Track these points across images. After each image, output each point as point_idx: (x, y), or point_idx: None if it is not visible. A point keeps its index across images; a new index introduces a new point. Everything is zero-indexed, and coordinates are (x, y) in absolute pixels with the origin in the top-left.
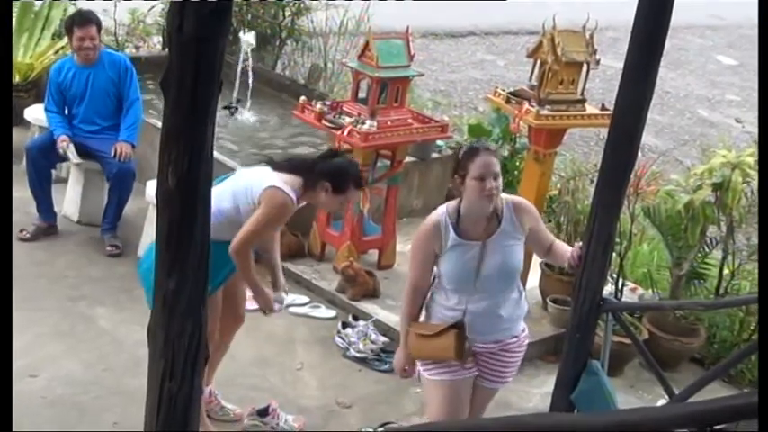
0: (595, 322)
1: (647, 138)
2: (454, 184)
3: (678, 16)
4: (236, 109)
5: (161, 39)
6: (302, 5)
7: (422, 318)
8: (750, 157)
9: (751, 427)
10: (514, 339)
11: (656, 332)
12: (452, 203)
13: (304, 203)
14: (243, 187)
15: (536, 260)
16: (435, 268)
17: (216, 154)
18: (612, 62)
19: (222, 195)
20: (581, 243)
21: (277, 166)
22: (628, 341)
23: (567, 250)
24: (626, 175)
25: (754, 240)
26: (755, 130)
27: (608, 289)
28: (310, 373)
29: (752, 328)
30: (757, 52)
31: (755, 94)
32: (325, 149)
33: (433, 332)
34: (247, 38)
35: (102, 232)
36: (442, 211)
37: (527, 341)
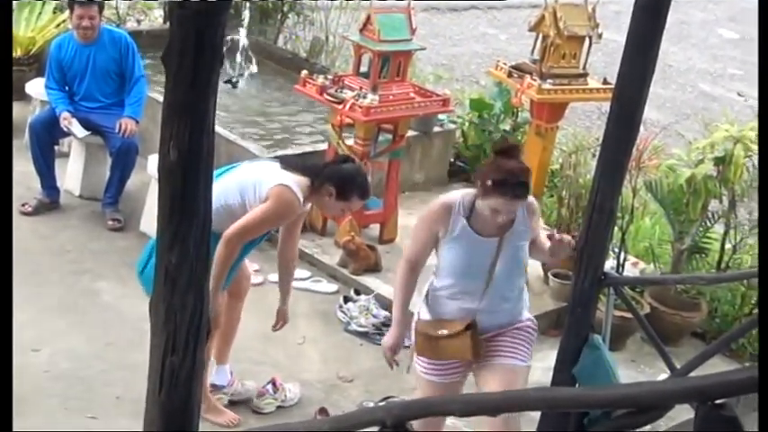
0: (597, 296)
1: (649, 112)
2: (475, 181)
3: None
4: (238, 82)
5: (162, 12)
6: None
7: (424, 313)
8: (752, 131)
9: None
10: (518, 323)
11: (657, 306)
12: (468, 196)
13: (308, 206)
14: (252, 183)
15: None
16: (436, 258)
17: (216, 128)
18: (615, 36)
19: (229, 190)
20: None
21: (286, 163)
22: (629, 315)
23: (545, 241)
24: (628, 149)
25: (756, 215)
26: (756, 104)
27: (610, 263)
28: (312, 347)
29: (753, 302)
30: (757, 53)
31: (756, 68)
32: (340, 155)
33: (448, 333)
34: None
35: (104, 206)
36: (456, 197)
37: (534, 327)
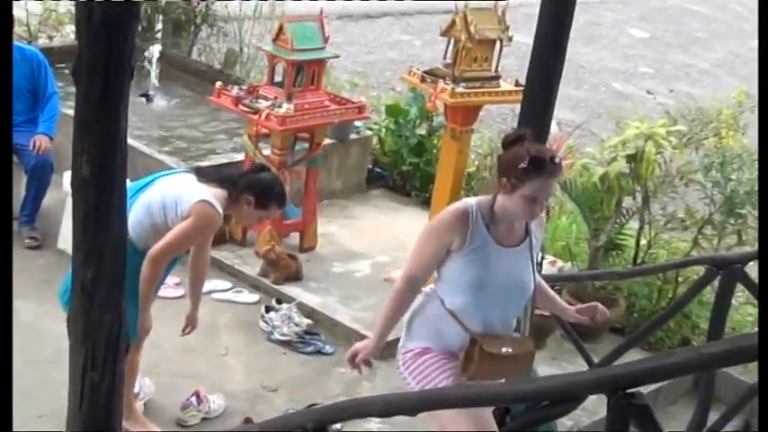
0: None
1: (563, 112)
2: (494, 180)
3: None
4: (152, 96)
5: (74, 28)
6: None
7: (421, 341)
8: (662, 127)
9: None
10: None
11: (575, 304)
12: (484, 200)
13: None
14: (172, 200)
15: None
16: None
17: (132, 142)
18: (526, 39)
19: (153, 208)
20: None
21: (202, 175)
22: (548, 314)
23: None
24: None
25: (669, 209)
26: (667, 101)
27: None
28: (235, 358)
29: (669, 296)
30: (758, 52)
31: (668, 66)
32: (256, 164)
33: (517, 351)
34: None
35: (21, 225)
36: (470, 203)
37: None
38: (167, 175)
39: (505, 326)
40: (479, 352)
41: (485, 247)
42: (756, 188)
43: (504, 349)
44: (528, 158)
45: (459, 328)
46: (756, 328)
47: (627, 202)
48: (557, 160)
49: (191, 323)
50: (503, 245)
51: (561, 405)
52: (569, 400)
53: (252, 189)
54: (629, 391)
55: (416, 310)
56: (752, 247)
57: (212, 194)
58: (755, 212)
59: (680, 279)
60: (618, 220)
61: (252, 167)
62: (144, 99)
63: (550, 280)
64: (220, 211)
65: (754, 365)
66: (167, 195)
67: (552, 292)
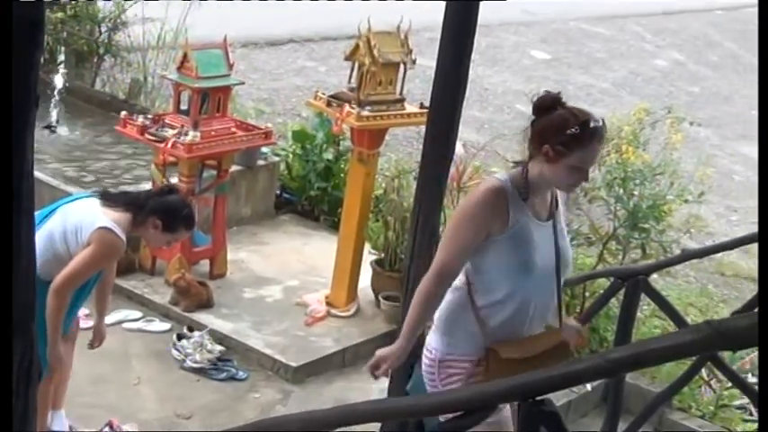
0: None
1: (468, 134)
2: (534, 147)
3: (492, 15)
4: (56, 128)
5: None
6: (118, 21)
7: (448, 344)
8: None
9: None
10: None
11: None
12: (513, 173)
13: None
14: (73, 228)
15: (367, 258)
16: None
17: (39, 174)
18: (431, 62)
19: (55, 238)
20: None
21: (106, 199)
22: None
23: None
24: (445, 167)
25: (575, 226)
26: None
27: None
28: (148, 386)
29: (578, 310)
30: (757, 53)
31: (570, 87)
32: (163, 186)
33: (544, 347)
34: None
35: None
36: (503, 180)
37: None
38: (71, 201)
39: (546, 313)
40: (496, 360)
41: (528, 225)
42: (658, 202)
43: (524, 353)
44: (579, 123)
45: (481, 333)
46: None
47: None
48: (602, 123)
49: (98, 335)
50: (540, 219)
51: (473, 415)
52: (482, 410)
53: (158, 212)
54: (538, 398)
55: (449, 308)
56: (656, 259)
57: (115, 219)
58: (658, 226)
59: (587, 294)
60: None
61: (158, 190)
62: (48, 130)
63: None
64: (122, 236)
65: (661, 375)
66: (68, 224)
67: None
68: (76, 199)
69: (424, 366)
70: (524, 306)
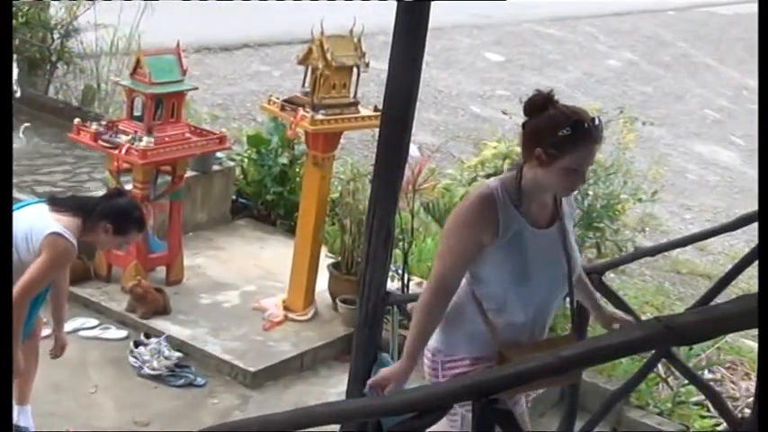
0: (382, 316)
1: (423, 136)
2: (526, 151)
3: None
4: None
5: None
6: (70, 27)
7: (454, 347)
8: (519, 146)
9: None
10: None
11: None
12: (507, 178)
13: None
14: (23, 233)
15: (324, 261)
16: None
17: None
18: (385, 65)
19: None
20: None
21: (55, 205)
22: None
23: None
24: (399, 170)
25: None
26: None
27: (396, 285)
28: (105, 394)
29: None
30: (757, 55)
31: (523, 88)
32: (111, 189)
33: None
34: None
35: None
36: (493, 186)
37: None
38: (19, 208)
39: (547, 318)
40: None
41: (521, 234)
42: (612, 202)
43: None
44: (570, 124)
45: (491, 337)
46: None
47: None
48: (597, 122)
49: (59, 343)
50: (537, 227)
51: (428, 415)
52: (435, 410)
53: (108, 216)
54: (492, 397)
55: (452, 307)
56: (611, 258)
57: (64, 225)
58: (613, 225)
59: None
60: None
61: (108, 193)
62: None
63: (415, 299)
64: (73, 241)
65: (618, 373)
66: (18, 231)
67: (590, 285)
68: (25, 206)
69: (426, 369)
70: (522, 313)
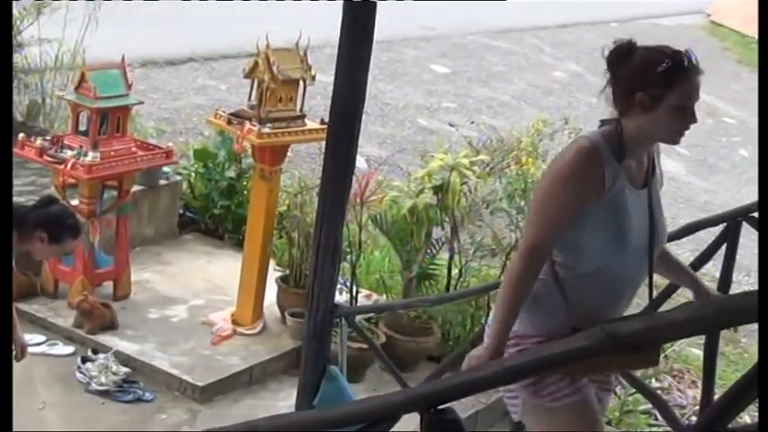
0: (330, 328)
1: (371, 149)
2: (623, 102)
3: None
4: None
5: None
6: (14, 42)
7: (532, 327)
8: (465, 158)
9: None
10: None
11: (392, 335)
12: (605, 131)
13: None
14: None
15: (272, 275)
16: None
17: None
18: (331, 78)
19: None
20: None
21: None
22: (365, 346)
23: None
24: (346, 182)
25: (478, 237)
26: (470, 133)
27: (344, 298)
28: (53, 411)
29: (482, 321)
30: (757, 55)
31: (470, 100)
32: (43, 197)
33: None
34: None
35: None
36: (594, 138)
37: None
38: None
39: (634, 291)
40: None
41: (623, 192)
42: None
43: None
44: (668, 57)
45: (566, 314)
46: None
47: (436, 232)
48: (692, 54)
49: (19, 344)
50: (635, 186)
51: (378, 425)
52: (384, 420)
53: (43, 225)
54: (440, 407)
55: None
56: None
57: None
58: None
59: (491, 305)
60: (429, 251)
61: (38, 202)
62: None
63: (366, 311)
64: None
65: None
66: None
67: (678, 258)
68: None
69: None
70: (614, 282)
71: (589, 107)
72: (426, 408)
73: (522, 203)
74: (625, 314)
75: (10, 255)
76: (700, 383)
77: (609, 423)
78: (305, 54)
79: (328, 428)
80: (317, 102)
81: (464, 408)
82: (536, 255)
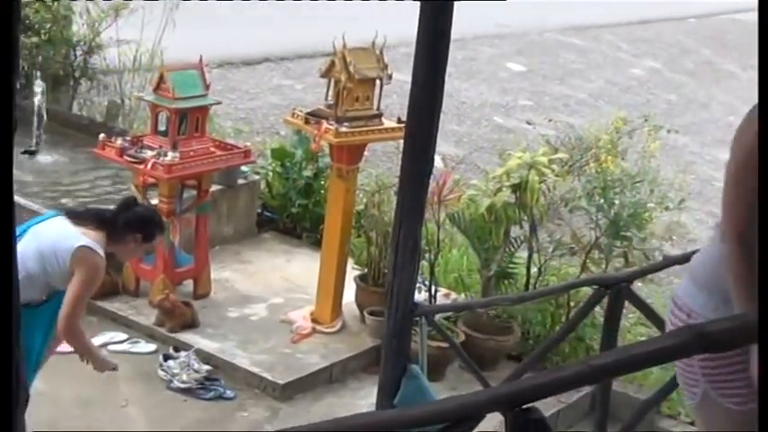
0: (410, 327)
1: (447, 148)
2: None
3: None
4: (36, 152)
5: None
6: (93, 44)
7: (707, 305)
8: (544, 156)
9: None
10: None
11: (471, 333)
12: None
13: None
14: (50, 250)
15: (350, 273)
16: None
17: (19, 199)
18: (408, 77)
19: (27, 259)
20: None
21: (75, 218)
22: (445, 345)
23: None
24: (424, 181)
25: (556, 236)
26: (547, 131)
27: (423, 297)
28: (136, 408)
29: (563, 320)
30: (757, 55)
31: (546, 98)
32: (125, 199)
33: None
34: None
35: None
36: None
37: None
38: (39, 221)
39: None
40: None
41: None
42: (639, 210)
43: None
44: None
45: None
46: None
47: (515, 231)
48: None
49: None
50: None
51: (460, 425)
52: (467, 420)
53: (134, 226)
54: (524, 406)
55: (713, 262)
56: (639, 267)
57: (90, 239)
58: (640, 234)
59: (572, 303)
60: (507, 250)
61: (123, 205)
62: (27, 155)
63: (445, 310)
64: (101, 253)
65: (649, 383)
66: (42, 245)
67: None
68: (44, 219)
69: (673, 327)
70: None
71: (668, 104)
72: (510, 407)
73: (602, 201)
74: None
75: (10, 255)
76: None
77: (692, 423)
78: (381, 53)
79: (410, 428)
80: (393, 100)
81: (545, 407)
82: (742, 239)
